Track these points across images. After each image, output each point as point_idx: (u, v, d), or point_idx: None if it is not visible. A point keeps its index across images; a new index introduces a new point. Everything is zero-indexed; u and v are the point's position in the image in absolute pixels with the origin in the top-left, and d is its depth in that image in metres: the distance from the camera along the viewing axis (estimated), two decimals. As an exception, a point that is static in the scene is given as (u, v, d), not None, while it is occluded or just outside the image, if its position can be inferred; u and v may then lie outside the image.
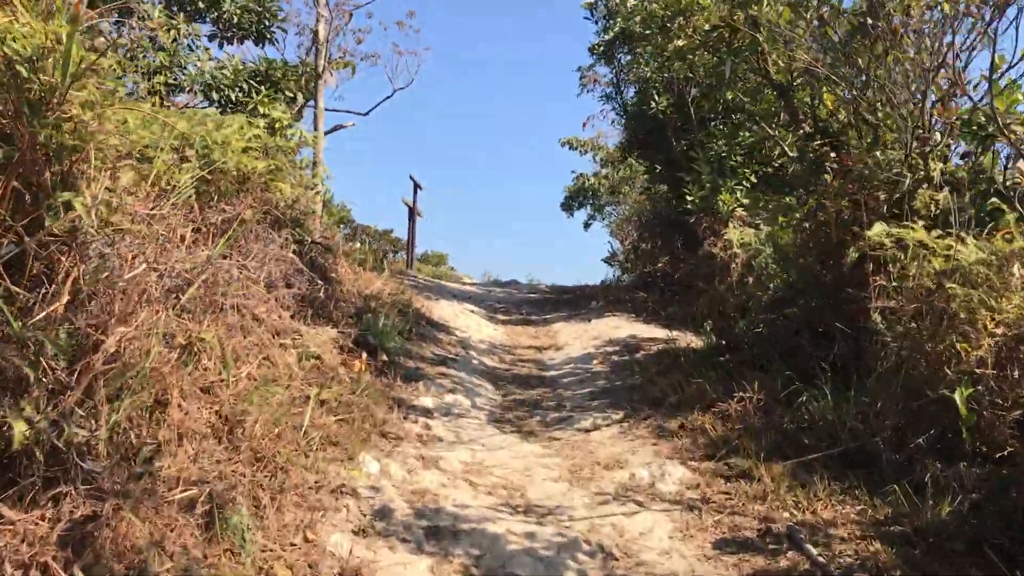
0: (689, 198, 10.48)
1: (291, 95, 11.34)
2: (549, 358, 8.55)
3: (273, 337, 5.67)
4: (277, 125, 9.63)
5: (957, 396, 4.37)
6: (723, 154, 10.86)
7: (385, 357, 6.60)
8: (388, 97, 17.91)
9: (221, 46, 11.47)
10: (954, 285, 4.61)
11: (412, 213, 19.08)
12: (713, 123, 11.68)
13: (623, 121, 14.24)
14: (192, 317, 4.79)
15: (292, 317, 6.42)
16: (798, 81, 7.20)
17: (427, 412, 5.85)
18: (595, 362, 8.05)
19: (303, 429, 4.52)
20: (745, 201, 10.49)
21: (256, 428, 4.15)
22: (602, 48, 13.90)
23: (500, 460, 5.09)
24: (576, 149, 26.55)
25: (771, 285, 8.78)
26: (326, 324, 6.53)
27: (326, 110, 18.55)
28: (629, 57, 13.16)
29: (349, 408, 5.22)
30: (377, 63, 17.65)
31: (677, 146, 11.80)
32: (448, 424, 5.74)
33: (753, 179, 10.82)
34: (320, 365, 5.74)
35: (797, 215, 7.29)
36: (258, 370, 5.09)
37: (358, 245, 29.70)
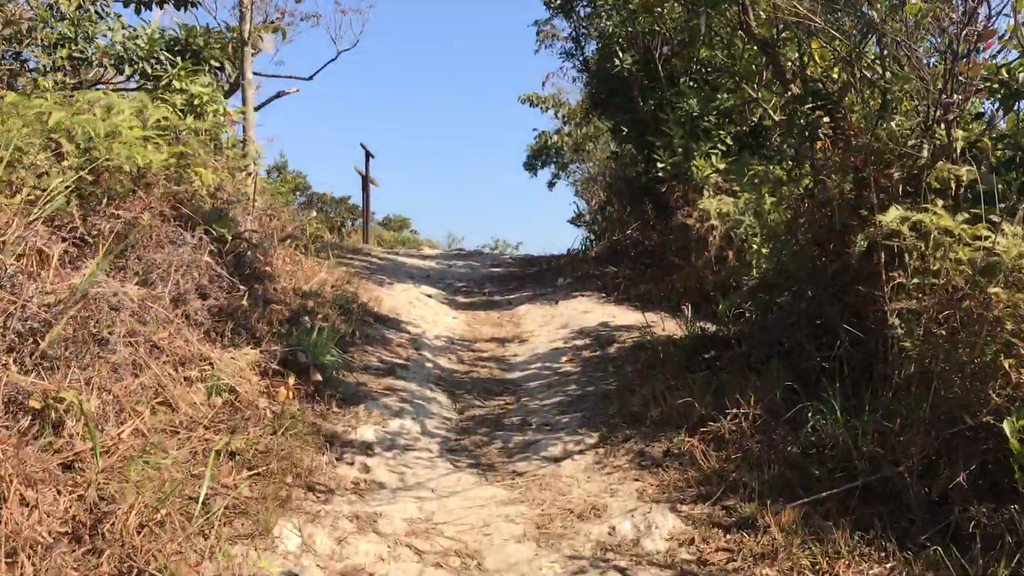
0: (660, 164, 9.56)
1: (217, 65, 10.20)
2: (513, 354, 7.67)
3: (176, 371, 4.72)
4: (197, 102, 8.55)
5: (1006, 426, 3.55)
6: (695, 114, 9.94)
7: (319, 376, 5.67)
8: (332, 60, 16.81)
9: (138, 12, 10.26)
10: (997, 289, 3.76)
11: (366, 182, 18.01)
12: (683, 81, 10.72)
13: (584, 79, 13.24)
14: (57, 366, 3.82)
15: (206, 335, 5.47)
16: (784, 35, 6.27)
17: (367, 448, 4.95)
18: (564, 359, 7.18)
19: (201, 499, 3.60)
20: (721, 166, 9.62)
21: (130, 518, 3.23)
22: (559, 0, 12.84)
23: (453, 512, 4.22)
24: (536, 106, 25.43)
25: (756, 265, 7.95)
26: (248, 342, 5.57)
27: (265, 76, 17.34)
28: (589, 9, 12.13)
29: (267, 457, 4.30)
30: (319, 23, 16.42)
31: (644, 106, 10.85)
32: (392, 462, 4.85)
33: (729, 142, 9.93)
34: (235, 400, 4.80)
35: (786, 189, 6.42)
36: (151, 419, 4.16)
37: (314, 214, 28.48)
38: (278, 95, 17.05)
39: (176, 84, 8.40)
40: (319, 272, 9.02)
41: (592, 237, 20.99)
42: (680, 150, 9.71)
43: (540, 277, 12.16)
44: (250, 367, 5.30)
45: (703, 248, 9.32)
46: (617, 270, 11.10)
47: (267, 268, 8.08)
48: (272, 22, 11.65)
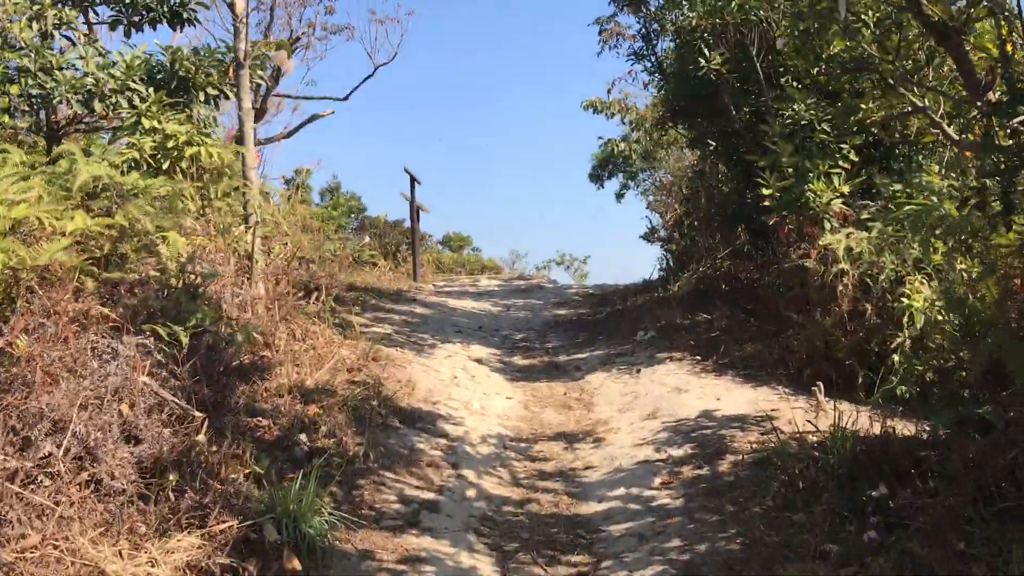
0: (767, 191, 7.46)
1: (215, 92, 8.45)
2: (586, 465, 5.66)
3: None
4: (171, 144, 6.80)
5: None
6: (805, 123, 7.80)
7: (297, 564, 3.77)
8: (369, 76, 15.07)
9: (128, 35, 8.60)
10: None
11: (413, 211, 16.19)
12: (786, 82, 8.60)
13: (658, 83, 11.17)
14: None
15: (129, 505, 3.63)
16: (978, 16, 4.16)
17: None
18: (657, 482, 5.16)
19: None
20: (845, 189, 7.47)
21: None
22: (626, -8, 10.82)
23: None
24: (601, 112, 23.48)
25: (918, 331, 5.84)
26: (188, 518, 3.70)
27: (295, 97, 15.68)
28: (663, 1, 10.06)
29: None
30: (352, 37, 14.68)
31: (738, 115, 8.75)
32: None
33: (853, 157, 7.76)
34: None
35: (1000, 242, 4.28)
36: None
37: (366, 239, 26.94)
38: (311, 119, 15.40)
39: (146, 123, 6.65)
40: (338, 349, 7.18)
41: (669, 258, 18.86)
42: (790, 170, 7.59)
43: (614, 324, 10.14)
44: (188, 569, 3.43)
45: (830, 299, 7.21)
46: (710, 318, 8.99)
47: (264, 356, 6.26)
48: (286, 39, 9.86)
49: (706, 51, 8.20)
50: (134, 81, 7.49)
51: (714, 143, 9.75)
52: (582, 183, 26.50)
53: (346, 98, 14.99)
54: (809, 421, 5.53)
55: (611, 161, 25.56)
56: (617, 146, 24.27)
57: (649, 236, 22.54)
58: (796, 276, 7.56)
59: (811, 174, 7.51)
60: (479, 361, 8.47)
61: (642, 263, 46.78)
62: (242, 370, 5.69)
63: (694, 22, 8.13)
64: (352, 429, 5.40)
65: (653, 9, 10.60)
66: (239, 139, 12.94)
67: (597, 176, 26.24)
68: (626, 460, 5.52)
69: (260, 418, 5.24)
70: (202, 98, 8.31)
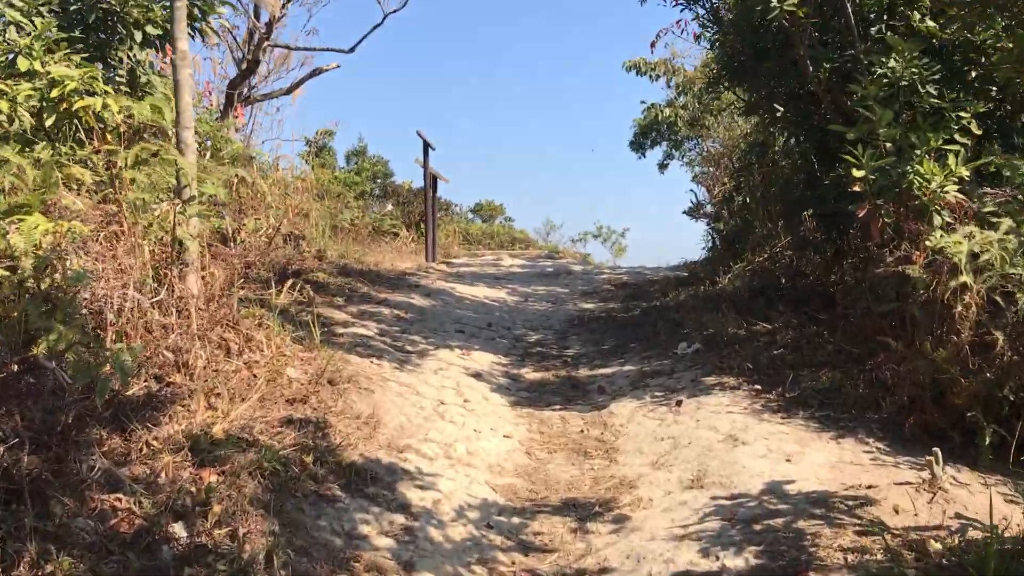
0: (858, 173, 5.59)
1: (156, 32, 6.75)
2: (600, 567, 3.94)
3: None
4: (56, 92, 5.12)
5: None
6: (905, 83, 5.92)
7: None
8: (378, 26, 13.26)
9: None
10: None
11: (427, 180, 14.42)
12: (878, 30, 6.69)
13: (712, 35, 9.23)
14: None
15: None
16: None
17: None
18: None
19: None
20: (964, 172, 5.56)
21: None
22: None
23: None
24: (644, 74, 21.50)
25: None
26: None
27: (293, 48, 13.93)
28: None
29: None
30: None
31: (815, 71, 6.84)
32: None
33: (975, 129, 5.86)
34: None
35: None
36: None
37: (389, 207, 25.23)
38: (313, 73, 13.65)
39: (22, 63, 4.97)
40: (286, 366, 5.52)
41: (716, 238, 16.98)
42: (888, 145, 5.72)
43: (650, 327, 8.35)
44: None
45: (943, 323, 5.37)
46: (771, 328, 7.18)
47: (169, 383, 4.60)
48: None
49: (779, -13, 6.28)
50: (39, 13, 5.82)
51: (781, 108, 7.84)
52: (622, 151, 24.50)
53: (352, 50, 13.23)
54: (921, 496, 3.75)
55: (654, 128, 23.55)
56: (662, 112, 22.28)
57: (694, 212, 20.57)
58: (892, 286, 5.71)
59: (917, 151, 5.63)
60: (478, 376, 6.77)
61: (685, 239, 44.47)
62: (118, 413, 4.04)
63: (766, -53, 6.20)
64: (263, 508, 3.74)
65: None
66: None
67: (639, 145, 24.26)
68: (658, 566, 3.78)
69: (121, 495, 3.58)
70: (139, 38, 6.63)
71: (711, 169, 21.52)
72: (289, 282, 8.28)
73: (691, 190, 20.29)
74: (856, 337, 6.30)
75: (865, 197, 5.72)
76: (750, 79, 8.27)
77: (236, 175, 9.53)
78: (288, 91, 13.36)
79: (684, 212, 20.97)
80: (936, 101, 5.76)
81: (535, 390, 6.74)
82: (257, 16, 11.62)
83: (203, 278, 6.61)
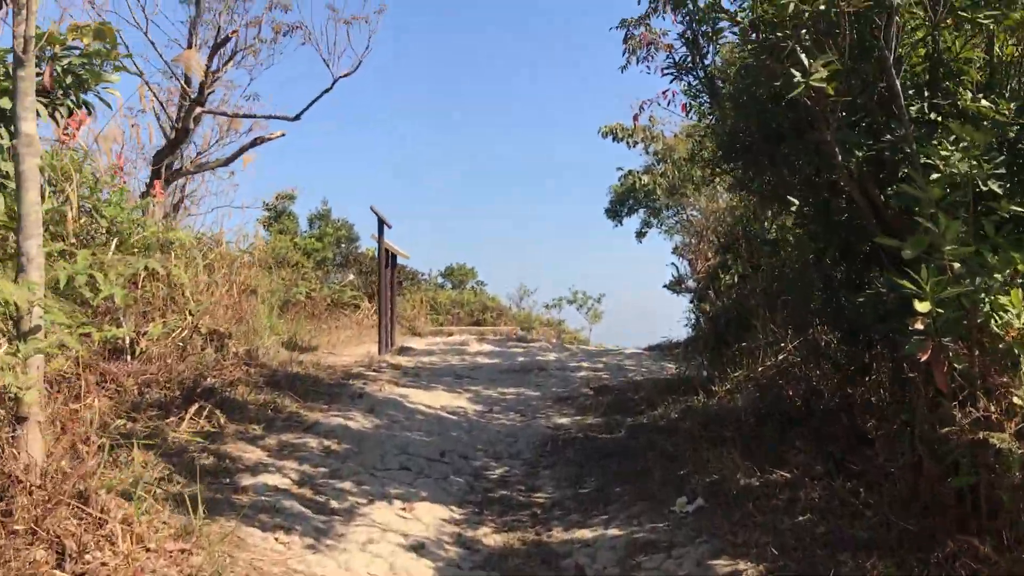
0: (922, 307, 4.18)
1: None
2: None
3: None
4: None
5: None
6: (962, 178, 4.58)
7: None
8: (327, 90, 11.83)
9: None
10: None
11: (382, 259, 12.96)
12: (926, 111, 5.38)
13: (706, 108, 7.94)
14: None
15: None
16: None
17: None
18: None
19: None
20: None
21: None
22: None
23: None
24: (621, 140, 20.37)
25: None
26: None
27: (233, 116, 12.50)
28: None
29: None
30: (310, 40, 11.48)
31: (845, 159, 5.49)
32: None
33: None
34: None
35: None
36: None
37: (351, 277, 23.65)
38: (255, 143, 12.22)
39: None
40: (149, 572, 3.96)
41: (701, 321, 15.59)
42: (957, 266, 4.34)
43: (639, 460, 6.87)
44: None
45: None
46: (789, 476, 5.71)
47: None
48: (109, 25, 6.79)
49: (804, 58, 4.93)
50: None
51: (796, 201, 6.50)
52: (597, 215, 23.24)
53: (297, 117, 11.79)
54: None
55: (631, 195, 22.40)
56: (639, 179, 21.11)
57: (675, 286, 19.27)
58: (967, 454, 4.28)
59: (997, 275, 4.25)
60: (420, 548, 5.21)
61: (664, 307, 43.21)
62: None
63: (790, 9, 4.87)
64: None
65: (703, 4, 7.40)
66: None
67: (615, 212, 23.09)
68: None
69: None
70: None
71: (693, 241, 20.30)
72: (194, 407, 6.75)
73: (672, 263, 18.98)
74: (908, 506, 4.86)
75: (928, 335, 4.31)
76: (755, 164, 6.93)
77: (144, 268, 8.03)
78: (226, 162, 11.92)
79: (665, 286, 19.72)
80: (1020, 209, 4.40)
81: (496, 565, 5.20)
82: (188, 81, 10.23)
83: (61, 425, 5.11)
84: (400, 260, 16.52)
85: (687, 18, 7.54)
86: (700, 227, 19.34)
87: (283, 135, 11.91)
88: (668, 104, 9.91)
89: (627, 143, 19.99)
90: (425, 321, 23.11)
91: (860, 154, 5.44)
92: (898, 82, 4.86)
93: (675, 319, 27.54)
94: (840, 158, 5.45)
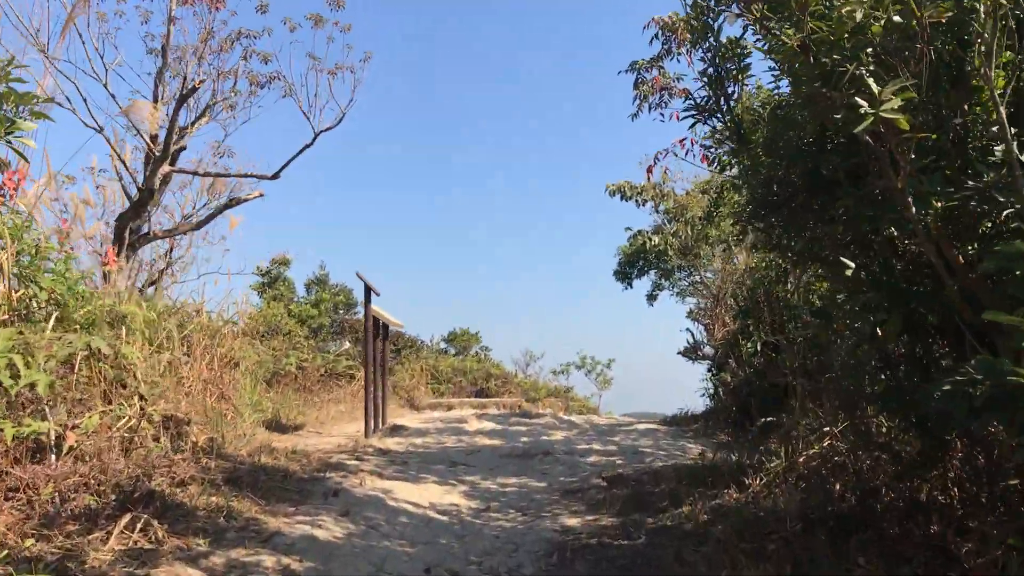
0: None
1: None
2: None
3: None
4: None
5: None
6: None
7: None
8: (308, 146, 10.87)
9: None
10: None
11: (369, 331, 11.86)
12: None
13: (738, 156, 6.89)
14: None
15: None
16: None
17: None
18: None
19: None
20: None
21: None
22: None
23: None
24: (630, 198, 19.44)
25: None
26: None
27: (204, 175, 11.52)
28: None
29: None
30: (291, 93, 10.52)
31: (920, 212, 4.38)
32: None
33: None
34: None
35: None
36: None
37: (347, 345, 22.43)
38: (231, 204, 11.25)
39: None
40: None
41: (721, 392, 14.46)
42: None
43: (666, 574, 5.64)
44: None
45: None
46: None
47: None
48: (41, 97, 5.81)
49: (872, 84, 3.87)
50: None
51: (852, 264, 5.38)
52: (608, 275, 22.14)
53: (276, 176, 10.81)
54: None
55: (641, 256, 21.34)
56: (649, 239, 20.09)
57: (691, 353, 18.04)
58: None
59: None
60: None
61: (678, 373, 41.92)
62: None
63: (855, 19, 3.82)
64: None
65: (727, 39, 6.41)
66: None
67: (624, 274, 21.98)
68: None
69: None
70: None
71: (708, 304, 19.16)
72: (126, 518, 5.59)
73: (687, 329, 17.80)
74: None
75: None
76: (795, 219, 5.84)
77: (86, 347, 6.94)
78: (199, 225, 10.91)
79: (680, 353, 18.50)
80: None
81: None
82: (155, 138, 9.28)
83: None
84: (395, 329, 15.41)
85: (709, 54, 6.53)
86: (716, 289, 18.24)
87: (261, 195, 10.91)
88: (686, 154, 8.89)
89: (636, 202, 19.03)
90: (425, 391, 21.91)
91: (939, 205, 4.34)
92: (1003, 112, 3.77)
93: (690, 386, 26.19)
94: (913, 210, 4.35)
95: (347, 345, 22.10)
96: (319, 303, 24.31)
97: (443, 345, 32.21)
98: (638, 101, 8.47)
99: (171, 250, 17.58)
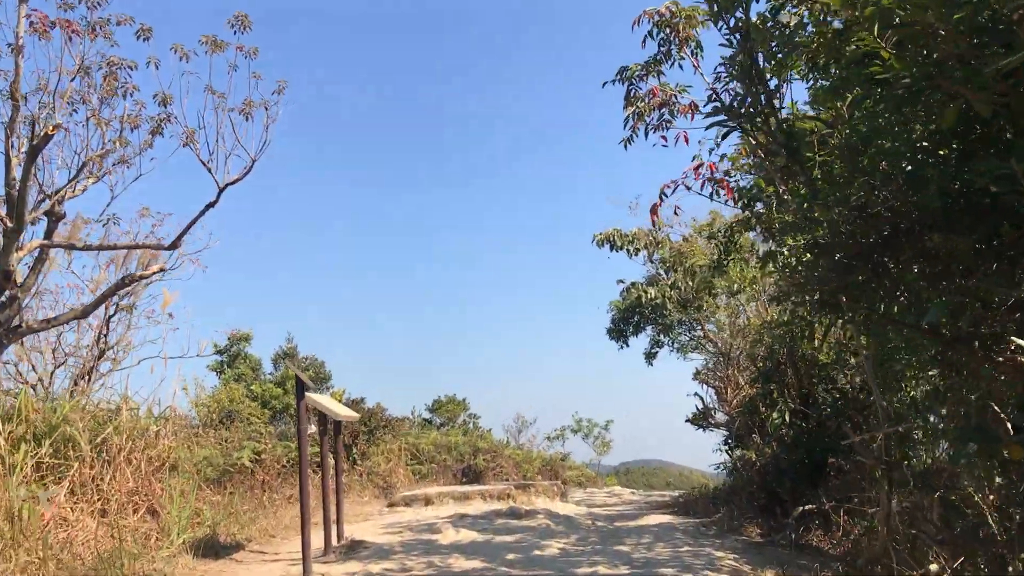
0: None
1: None
2: None
3: None
4: None
5: None
6: None
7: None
8: (211, 204, 8.64)
9: None
10: None
11: (305, 422, 9.62)
12: None
13: (789, 182, 4.79)
14: None
15: None
16: None
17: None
18: None
19: None
20: None
21: None
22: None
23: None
24: (621, 248, 17.35)
25: None
26: None
27: (82, 249, 9.35)
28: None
29: None
30: (192, 142, 8.35)
31: None
32: None
33: None
34: None
35: None
36: None
37: (312, 429, 20.02)
38: (123, 283, 9.06)
39: None
40: None
41: (741, 469, 12.31)
42: None
43: None
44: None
45: None
46: None
47: None
48: None
49: None
50: None
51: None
52: (600, 332, 20.02)
53: (175, 245, 8.64)
54: None
55: (637, 311, 19.23)
56: (645, 292, 17.96)
57: (700, 420, 15.85)
58: None
59: None
60: None
61: (681, 434, 39.70)
62: None
63: None
64: None
65: (767, 9, 4.38)
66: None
67: (619, 332, 19.84)
68: None
69: None
70: None
71: (716, 362, 17.00)
72: None
73: (696, 393, 15.58)
74: None
75: None
76: (885, 272, 3.72)
77: None
78: (84, 313, 8.70)
79: (689, 420, 16.31)
80: None
81: None
82: (13, 210, 7.15)
83: None
84: (347, 420, 13.18)
85: (738, 35, 4.48)
86: (724, 346, 16.10)
87: (162, 271, 8.76)
88: (702, 186, 6.66)
89: (627, 251, 16.94)
90: (405, 474, 19.54)
91: None
92: None
93: (697, 448, 23.92)
94: None
95: (313, 429, 19.74)
96: (284, 381, 21.99)
97: (428, 415, 29.84)
98: (631, 120, 6.42)
99: (101, 335, 15.31)
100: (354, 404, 19.73)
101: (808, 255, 4.69)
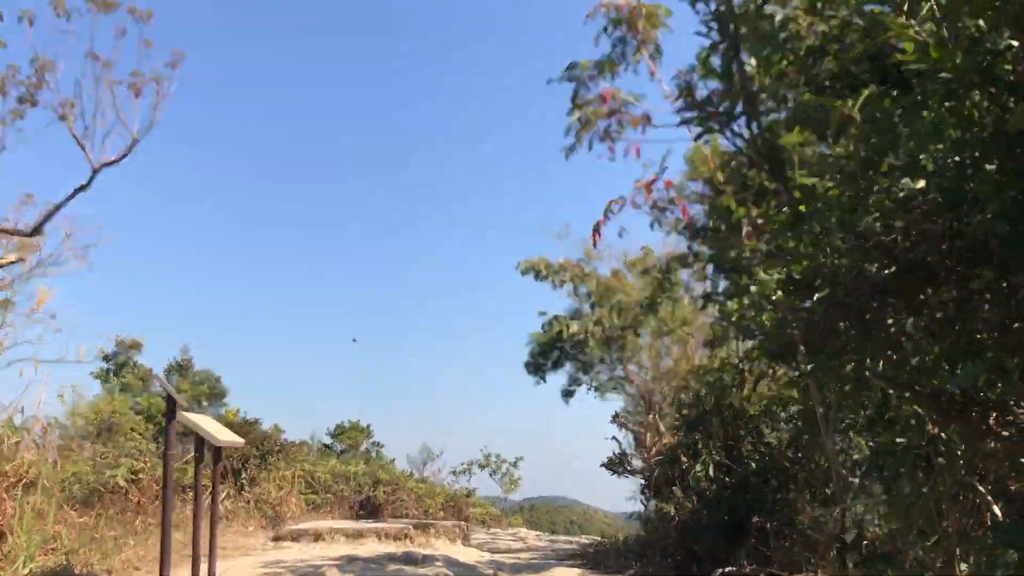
0: None
1: None
2: None
3: None
4: None
5: None
6: None
7: None
8: (82, 187, 7.46)
9: None
10: None
11: (171, 447, 8.41)
12: None
13: (769, 189, 4.00)
14: None
15: None
16: None
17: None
18: None
19: None
20: None
21: None
22: None
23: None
24: (546, 278, 16.67)
25: None
26: None
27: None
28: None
29: None
30: (67, 116, 7.19)
31: None
32: None
33: None
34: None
35: None
36: None
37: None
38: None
39: None
40: None
41: (651, 521, 11.50)
42: None
43: None
44: None
45: None
46: None
47: None
48: None
49: None
50: None
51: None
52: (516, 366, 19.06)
53: (36, 232, 7.44)
54: None
55: (557, 347, 18.41)
56: (567, 327, 17.15)
57: (617, 466, 15.10)
58: None
59: None
60: None
61: (593, 473, 38.95)
62: None
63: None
64: None
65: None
66: None
67: (537, 366, 18.95)
68: None
69: None
70: None
71: (635, 406, 16.33)
72: None
73: (613, 437, 14.82)
74: None
75: None
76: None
77: None
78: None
79: (603, 465, 15.54)
80: None
81: None
82: None
83: None
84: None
85: (715, 24, 3.70)
86: (645, 390, 15.41)
87: (20, 261, 7.54)
88: (652, 205, 5.84)
89: (552, 282, 16.18)
90: (297, 504, 18.18)
91: None
92: None
93: (605, 490, 23.16)
94: None
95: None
96: (178, 392, 20.39)
97: (329, 441, 28.36)
98: (577, 128, 5.61)
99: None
100: (247, 425, 18.33)
101: (780, 293, 3.91)
